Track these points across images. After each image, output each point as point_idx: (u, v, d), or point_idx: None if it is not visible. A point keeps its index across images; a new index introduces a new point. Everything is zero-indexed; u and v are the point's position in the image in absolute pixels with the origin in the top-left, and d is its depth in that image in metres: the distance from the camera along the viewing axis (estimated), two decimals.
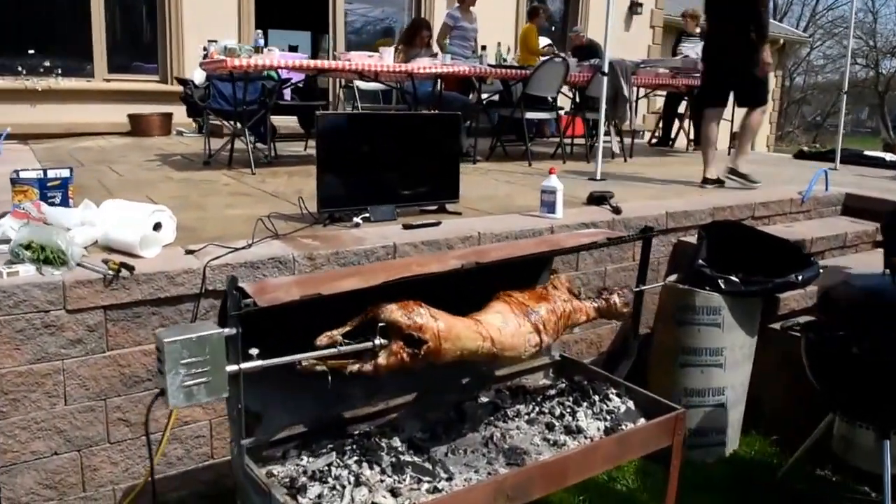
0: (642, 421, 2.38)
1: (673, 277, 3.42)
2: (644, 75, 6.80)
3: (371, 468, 1.99)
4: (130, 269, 2.33)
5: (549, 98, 6.35)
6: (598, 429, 2.32)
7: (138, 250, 2.48)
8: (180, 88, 5.76)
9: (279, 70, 5.65)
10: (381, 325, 1.92)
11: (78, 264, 2.35)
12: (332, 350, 1.86)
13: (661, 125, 8.79)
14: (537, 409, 2.47)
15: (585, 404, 2.44)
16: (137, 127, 7.18)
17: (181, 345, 1.62)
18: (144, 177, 4.58)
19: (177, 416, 2.48)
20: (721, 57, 4.74)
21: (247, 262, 2.53)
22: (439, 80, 6.00)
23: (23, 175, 2.94)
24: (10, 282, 2.19)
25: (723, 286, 3.17)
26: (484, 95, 6.52)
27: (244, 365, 1.76)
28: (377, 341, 1.92)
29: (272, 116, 5.53)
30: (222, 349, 1.68)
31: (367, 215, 3.25)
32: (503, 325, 2.11)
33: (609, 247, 3.27)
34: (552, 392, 2.55)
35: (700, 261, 3.29)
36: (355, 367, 1.90)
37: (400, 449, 2.14)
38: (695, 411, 3.23)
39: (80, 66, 7.19)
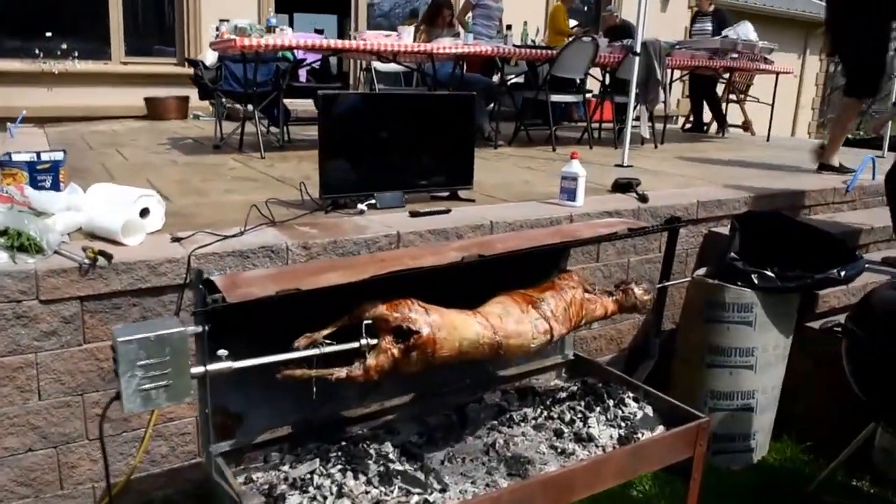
0: (661, 429, 2.18)
1: (702, 271, 3.20)
2: (679, 57, 6.51)
3: (356, 478, 1.84)
4: (108, 257, 2.20)
5: (578, 80, 6.12)
6: (612, 437, 2.14)
7: (120, 237, 2.35)
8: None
9: (294, 51, 5.52)
10: (366, 322, 1.76)
11: (56, 252, 2.23)
12: (314, 351, 1.70)
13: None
14: (546, 413, 2.29)
15: (598, 409, 2.25)
16: (153, 110, 7.11)
17: (137, 344, 1.47)
18: (149, 160, 4.48)
19: (159, 412, 2.36)
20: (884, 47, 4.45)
21: (235, 251, 2.39)
22: (461, 62, 5.80)
23: (12, 158, 2.83)
24: None
25: (756, 281, 2.95)
26: (511, 78, 6.30)
27: (211, 367, 1.61)
28: (364, 341, 1.77)
29: (286, 99, 5.39)
30: (185, 349, 1.53)
31: (374, 202, 3.09)
32: (504, 312, 1.94)
33: (631, 238, 3.06)
34: (563, 395, 2.36)
35: (732, 253, 3.06)
36: (342, 372, 1.74)
37: (391, 456, 1.98)
38: (721, 415, 3.03)
39: (98, 49, 7.14)
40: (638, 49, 4.68)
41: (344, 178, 3.05)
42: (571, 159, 3.31)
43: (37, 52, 6.71)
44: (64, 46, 6.84)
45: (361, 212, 3.00)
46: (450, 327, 1.82)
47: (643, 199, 3.52)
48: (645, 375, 2.41)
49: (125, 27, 7.28)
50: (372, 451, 1.96)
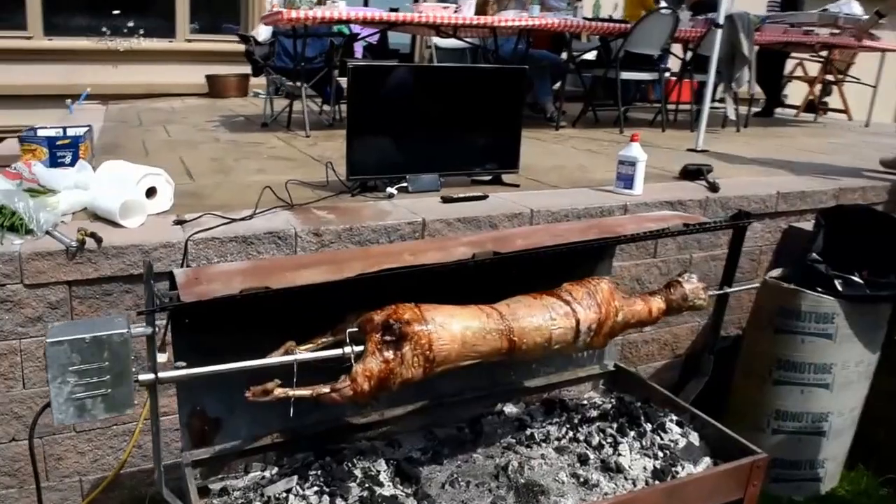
0: (707, 463, 1.87)
1: (776, 272, 2.82)
2: (769, 32, 5.95)
3: (332, 503, 1.62)
4: (98, 240, 2.05)
5: (655, 57, 5.68)
6: (645, 469, 1.84)
7: (118, 218, 2.20)
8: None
9: (350, 25, 5.33)
10: (350, 330, 1.53)
11: (48, 232, 2.10)
12: (289, 358, 1.49)
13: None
14: (572, 433, 2.01)
15: (633, 434, 1.95)
16: (214, 88, 7.10)
17: (69, 346, 1.29)
18: (192, 138, 4.39)
19: (148, 405, 2.21)
20: None
21: (238, 236, 2.20)
22: (528, 37, 5.47)
23: (29, 134, 2.75)
24: None
25: (840, 288, 2.56)
26: (580, 55, 5.91)
27: (163, 374, 1.42)
28: (349, 348, 1.54)
29: (341, 77, 5.20)
30: (127, 354, 1.34)
31: (406, 185, 2.86)
32: (514, 301, 1.67)
33: (685, 235, 2.70)
34: (593, 413, 2.08)
35: (813, 254, 2.67)
36: (325, 389, 1.51)
37: (381, 476, 1.76)
38: (786, 437, 2.68)
39: (163, 27, 7.16)
40: (721, 21, 4.24)
41: (374, 159, 2.83)
42: (631, 142, 2.97)
43: (104, 29, 6.79)
44: (130, 24, 6.90)
45: (391, 195, 2.77)
46: (446, 315, 1.57)
47: (713, 187, 3.15)
48: (694, 395, 2.09)
49: (191, 4, 7.28)
50: (358, 471, 1.74)
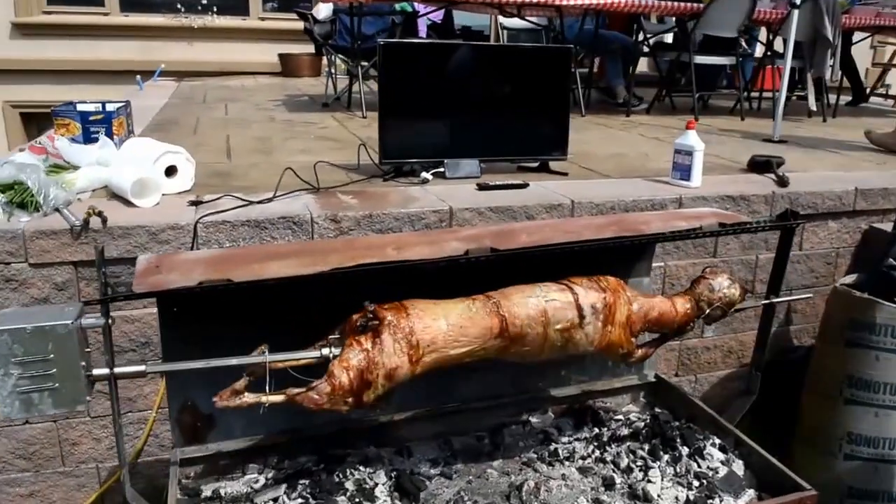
0: (749, 497, 1.61)
1: (849, 279, 2.47)
2: (860, 15, 5.38)
3: None
4: (104, 219, 1.94)
5: (742, 40, 5.23)
6: (677, 500, 1.60)
7: (130, 196, 2.09)
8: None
9: (414, 3, 5.13)
10: (332, 337, 1.35)
11: (57, 210, 2.01)
12: (261, 358, 1.32)
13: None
14: (599, 452, 1.78)
15: (667, 458, 1.71)
16: (287, 67, 7.05)
17: (10, 336, 1.16)
18: (247, 116, 4.30)
19: (163, 392, 2.11)
20: None
21: (251, 220, 2.06)
22: (595, 16, 5.14)
23: (64, 108, 2.68)
24: None
25: None
26: (653, 37, 5.51)
27: (119, 370, 1.28)
28: (328, 350, 1.36)
29: None
30: (73, 346, 1.20)
31: (442, 170, 2.65)
32: (512, 290, 1.46)
33: (720, 235, 2.40)
34: (625, 431, 1.83)
35: (891, 259, 2.32)
36: (294, 392, 1.34)
37: (378, 491, 1.58)
38: (861, 465, 2.35)
39: (237, 5, 7.15)
40: (798, 1, 3.81)
41: (409, 142, 2.63)
42: (687, 129, 2.66)
43: (179, 6, 6.83)
44: (204, 1, 6.91)
45: (425, 181, 2.58)
46: (425, 303, 1.39)
47: (782, 182, 2.80)
48: (739, 416, 1.81)
49: None
50: (350, 483, 1.57)
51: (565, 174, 2.82)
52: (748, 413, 2.16)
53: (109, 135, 2.70)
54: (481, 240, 1.42)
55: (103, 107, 2.87)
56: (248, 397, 1.31)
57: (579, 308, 1.45)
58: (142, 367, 1.29)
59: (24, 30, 6.44)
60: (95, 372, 1.26)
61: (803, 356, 2.72)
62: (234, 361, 1.31)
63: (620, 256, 1.83)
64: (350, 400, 1.35)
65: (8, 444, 2.07)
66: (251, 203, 2.17)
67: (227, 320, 1.45)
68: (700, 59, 4.86)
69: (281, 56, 7.05)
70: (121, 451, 1.34)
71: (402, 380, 1.39)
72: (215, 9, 6.92)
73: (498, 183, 2.53)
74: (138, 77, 5.70)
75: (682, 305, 1.60)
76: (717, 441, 1.75)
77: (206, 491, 1.65)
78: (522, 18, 5.05)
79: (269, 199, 2.22)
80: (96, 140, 2.66)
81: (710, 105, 5.77)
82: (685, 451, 1.70)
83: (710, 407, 1.95)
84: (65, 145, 2.35)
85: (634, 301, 1.51)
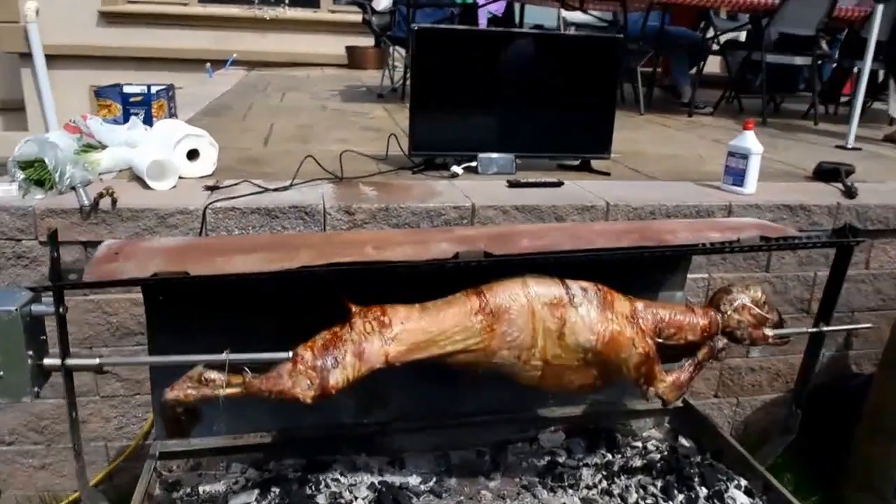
0: None
1: None
2: None
3: None
4: (113, 200, 1.86)
5: (824, 42, 4.81)
6: None
7: (146, 178, 2.01)
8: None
9: None
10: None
11: (73, 188, 1.94)
12: (223, 357, 1.19)
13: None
14: (607, 482, 1.57)
15: (681, 498, 1.48)
16: (353, 59, 6.97)
17: None
18: (300, 105, 4.23)
19: None
20: None
21: (261, 208, 1.94)
22: (661, 11, 4.81)
23: (106, 89, 2.64)
24: None
25: None
26: (720, 34, 5.13)
27: (72, 361, 1.17)
28: (290, 353, 1.21)
29: None
30: (17, 334, 1.09)
31: (475, 164, 2.47)
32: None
33: (762, 251, 2.13)
34: (638, 462, 1.62)
35: None
36: (252, 379, 1.20)
37: None
38: None
39: None
40: None
41: (440, 134, 2.46)
42: (744, 130, 2.39)
43: None
44: None
45: (454, 175, 2.41)
46: (401, 312, 1.24)
47: (849, 192, 2.49)
48: (773, 457, 1.57)
49: None
50: (323, 498, 1.42)
51: (607, 174, 2.59)
52: (794, 441, 1.89)
53: (149, 117, 2.65)
54: (475, 242, 1.24)
55: (148, 90, 2.82)
56: (204, 391, 1.18)
57: (568, 289, 1.25)
58: (96, 361, 1.18)
59: (109, 18, 6.60)
60: (47, 362, 1.16)
61: (862, 385, 2.41)
62: (193, 359, 1.18)
63: (648, 267, 1.62)
64: (315, 380, 1.19)
65: (21, 417, 2.04)
66: (266, 190, 2.05)
67: (216, 310, 1.33)
68: (772, 59, 4.47)
69: (348, 48, 6.99)
70: (76, 443, 1.24)
71: (376, 363, 1.21)
72: (287, 1, 6.91)
73: (530, 181, 2.33)
74: (208, 65, 5.73)
75: (701, 316, 1.38)
76: (744, 483, 1.52)
77: (186, 486, 1.54)
78: (584, 12, 4.79)
79: (286, 188, 2.09)
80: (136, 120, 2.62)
81: (783, 109, 5.34)
82: (703, 492, 1.48)
83: (751, 435, 1.72)
84: (96, 125, 2.29)
85: (637, 301, 1.30)
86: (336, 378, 1.20)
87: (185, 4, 6.78)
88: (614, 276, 1.46)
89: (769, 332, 1.38)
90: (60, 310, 1.14)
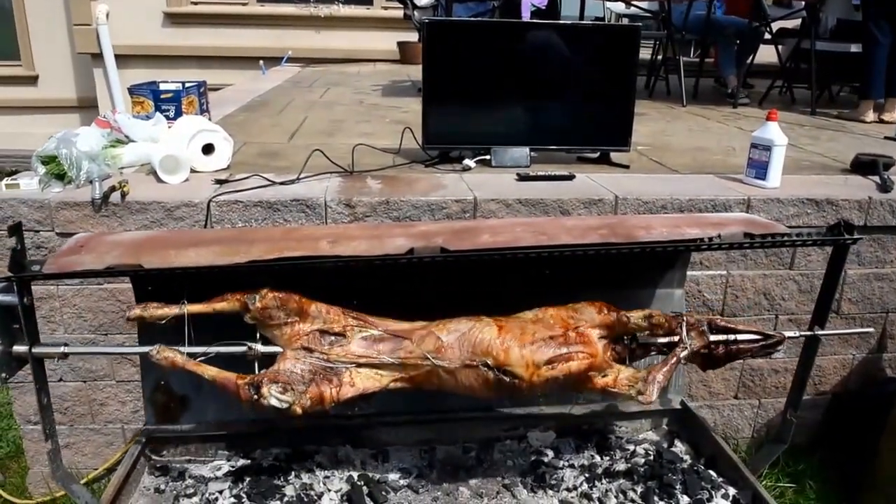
0: None
1: None
2: None
3: None
4: (123, 194, 1.89)
5: None
6: None
7: (158, 172, 2.03)
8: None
9: None
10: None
11: (91, 182, 1.98)
12: (196, 349, 1.19)
13: None
14: (588, 485, 1.50)
15: None
16: (404, 54, 6.95)
17: None
18: (338, 99, 4.23)
19: None
20: None
21: (263, 201, 1.93)
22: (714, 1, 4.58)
23: (139, 86, 2.70)
24: (8, 194, 1.91)
25: None
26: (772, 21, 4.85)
27: (39, 349, 1.18)
28: (258, 346, 1.20)
29: None
30: None
31: (488, 157, 2.41)
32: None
33: (739, 249, 1.98)
34: (622, 466, 1.53)
35: None
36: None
37: (324, 500, 1.40)
38: None
39: None
40: None
41: (454, 127, 2.40)
42: (767, 121, 2.24)
43: None
44: None
45: (467, 168, 2.35)
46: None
47: (884, 186, 2.30)
48: (765, 466, 1.46)
49: None
50: (290, 489, 1.40)
51: (626, 167, 2.48)
52: (818, 447, 1.75)
53: (179, 113, 2.69)
54: (434, 237, 1.18)
55: (183, 86, 2.87)
56: (168, 309, 1.18)
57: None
58: (61, 349, 1.19)
59: (174, 19, 6.79)
60: (16, 349, 1.18)
61: (893, 392, 2.23)
62: (145, 349, 1.18)
63: (635, 264, 1.52)
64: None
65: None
66: (273, 184, 2.05)
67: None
68: (826, 47, 4.20)
69: (399, 44, 6.98)
70: (49, 429, 1.26)
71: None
72: None
73: (540, 174, 2.25)
74: (261, 62, 5.83)
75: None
76: (731, 493, 1.42)
77: (174, 471, 1.56)
78: (627, 3, 4.61)
79: (293, 181, 2.08)
80: (167, 117, 2.66)
81: (839, 98, 5.01)
82: (685, 500, 1.39)
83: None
84: (124, 120, 2.34)
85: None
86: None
87: (244, 4, 6.91)
88: (591, 272, 1.38)
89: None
90: (25, 300, 1.15)
